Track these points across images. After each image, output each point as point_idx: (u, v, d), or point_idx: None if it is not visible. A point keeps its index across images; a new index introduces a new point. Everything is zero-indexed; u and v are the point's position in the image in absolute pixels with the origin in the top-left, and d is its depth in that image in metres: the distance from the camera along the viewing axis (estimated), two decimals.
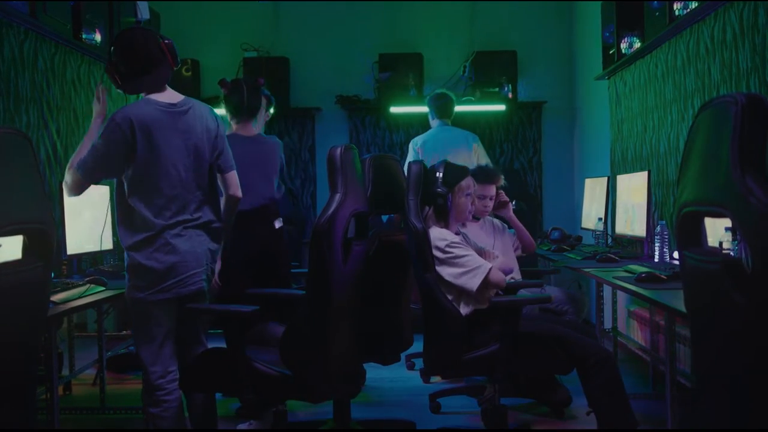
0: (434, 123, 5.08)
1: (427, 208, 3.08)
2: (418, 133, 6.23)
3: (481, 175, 3.56)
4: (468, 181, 3.14)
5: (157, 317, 2.63)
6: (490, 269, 2.93)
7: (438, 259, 2.93)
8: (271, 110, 3.74)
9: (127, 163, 2.56)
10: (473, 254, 2.99)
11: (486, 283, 2.92)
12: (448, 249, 2.95)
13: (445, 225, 3.10)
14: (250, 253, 3.42)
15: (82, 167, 2.59)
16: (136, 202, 2.59)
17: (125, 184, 2.60)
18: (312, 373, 2.51)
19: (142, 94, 2.68)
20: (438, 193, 3.03)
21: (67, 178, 2.64)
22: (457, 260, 2.93)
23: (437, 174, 3.06)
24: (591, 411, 2.97)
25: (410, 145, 5.03)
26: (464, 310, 2.96)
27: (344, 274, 2.53)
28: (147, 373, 2.65)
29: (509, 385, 3.59)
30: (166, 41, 2.66)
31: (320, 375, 2.52)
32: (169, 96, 2.68)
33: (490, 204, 3.63)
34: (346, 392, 2.83)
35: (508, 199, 3.75)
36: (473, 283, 2.90)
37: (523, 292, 3.41)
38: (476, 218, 3.58)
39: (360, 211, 2.65)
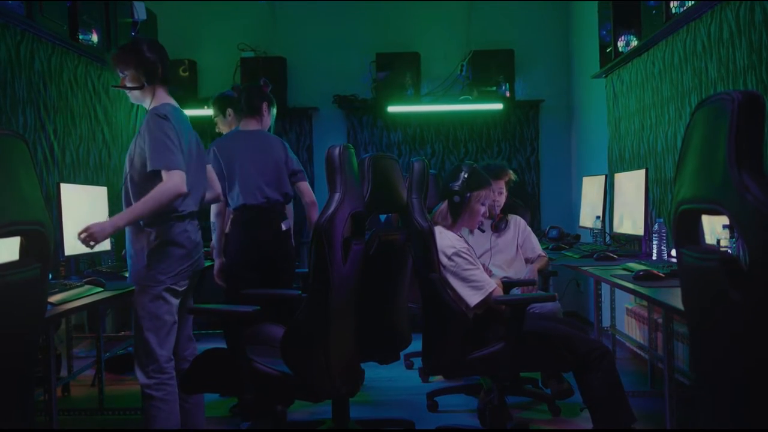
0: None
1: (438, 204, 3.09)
2: (415, 133, 6.26)
3: (490, 172, 3.66)
4: (488, 192, 3.14)
5: (170, 303, 2.82)
6: (494, 290, 2.92)
7: (443, 265, 2.93)
8: (273, 110, 3.82)
9: None
10: (479, 268, 2.98)
11: (485, 301, 2.92)
12: (455, 258, 2.93)
13: (453, 224, 3.08)
14: (252, 254, 3.52)
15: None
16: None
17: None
18: (313, 372, 2.51)
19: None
20: (457, 191, 3.03)
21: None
22: (462, 272, 2.93)
23: (462, 174, 3.07)
24: (585, 407, 2.98)
25: None
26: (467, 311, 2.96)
27: (344, 273, 2.53)
28: (154, 356, 2.79)
29: (510, 383, 3.59)
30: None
31: (321, 374, 2.51)
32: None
33: (501, 199, 3.77)
34: (347, 391, 2.83)
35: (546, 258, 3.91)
36: (473, 299, 2.91)
37: (516, 291, 3.42)
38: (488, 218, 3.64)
39: (358, 211, 2.65)
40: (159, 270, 2.79)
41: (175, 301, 2.85)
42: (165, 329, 2.82)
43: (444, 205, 3.08)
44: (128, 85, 2.89)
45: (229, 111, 4.06)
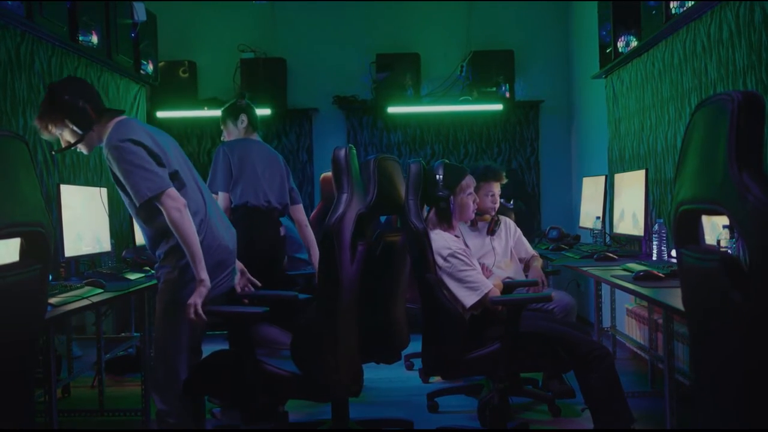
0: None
1: (426, 209, 3.08)
2: (415, 133, 6.26)
3: (487, 173, 3.67)
4: (468, 180, 3.14)
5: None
6: (489, 290, 2.92)
7: (439, 266, 2.93)
8: None
9: None
10: (475, 269, 2.98)
11: (482, 302, 2.92)
12: (450, 259, 2.93)
13: (448, 227, 3.08)
14: (250, 255, 3.53)
15: None
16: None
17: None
18: (323, 372, 2.51)
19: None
20: (440, 197, 3.03)
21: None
22: (458, 273, 2.93)
23: (437, 176, 3.05)
24: (585, 408, 2.97)
25: None
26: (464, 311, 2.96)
27: (351, 273, 2.53)
28: (177, 379, 2.61)
29: (510, 384, 3.59)
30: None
31: (331, 374, 2.52)
32: None
33: (497, 200, 3.73)
34: (352, 391, 2.83)
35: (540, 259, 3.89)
36: (469, 300, 2.91)
37: (522, 291, 3.42)
38: (478, 214, 3.62)
39: (363, 212, 2.65)
40: (190, 290, 2.55)
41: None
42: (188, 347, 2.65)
43: (432, 213, 3.07)
44: (71, 141, 2.57)
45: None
